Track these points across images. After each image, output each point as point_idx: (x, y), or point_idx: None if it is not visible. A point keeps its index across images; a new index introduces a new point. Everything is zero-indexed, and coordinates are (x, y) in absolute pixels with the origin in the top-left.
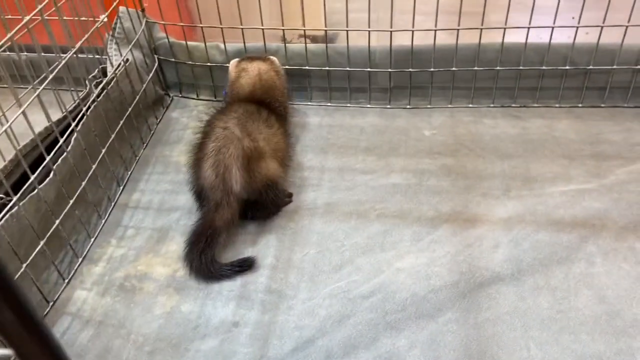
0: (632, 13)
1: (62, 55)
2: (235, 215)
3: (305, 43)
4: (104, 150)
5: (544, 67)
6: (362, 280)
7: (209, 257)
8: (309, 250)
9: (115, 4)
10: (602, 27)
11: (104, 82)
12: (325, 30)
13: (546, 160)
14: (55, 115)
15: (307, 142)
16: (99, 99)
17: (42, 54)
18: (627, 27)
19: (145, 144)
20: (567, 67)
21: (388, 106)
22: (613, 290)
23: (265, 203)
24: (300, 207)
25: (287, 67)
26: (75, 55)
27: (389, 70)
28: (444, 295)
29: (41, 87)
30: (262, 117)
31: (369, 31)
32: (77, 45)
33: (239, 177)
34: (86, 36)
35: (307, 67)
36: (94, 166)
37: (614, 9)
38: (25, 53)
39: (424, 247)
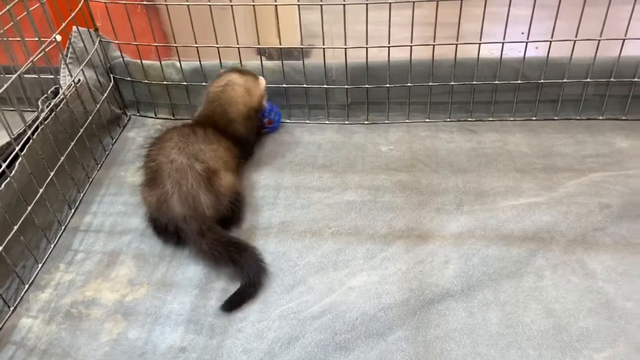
0: (580, 27)
1: (7, 76)
2: (218, 234)
3: (261, 60)
4: (52, 174)
5: (497, 82)
6: (313, 300)
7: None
8: None
9: (64, 23)
10: (550, 41)
11: (52, 104)
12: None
13: (499, 174)
14: (3, 139)
15: (264, 160)
16: (46, 122)
17: None
18: (574, 41)
19: (99, 165)
20: (520, 82)
21: (346, 122)
22: (561, 303)
23: (235, 213)
24: (255, 227)
25: None
26: (20, 77)
27: (346, 86)
28: (394, 314)
29: None
30: (198, 136)
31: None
32: (23, 68)
33: (207, 201)
34: (32, 58)
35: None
36: (40, 190)
37: (565, 19)
38: None
39: (377, 265)
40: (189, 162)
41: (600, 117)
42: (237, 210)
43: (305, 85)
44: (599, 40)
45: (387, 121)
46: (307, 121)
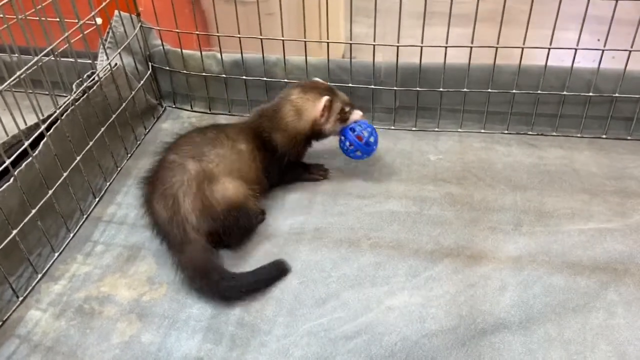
0: None
1: (42, 57)
2: (202, 250)
3: (306, 56)
4: (78, 158)
5: (565, 93)
6: (347, 317)
7: (214, 288)
8: (291, 280)
9: (104, 4)
10: (630, 51)
11: (84, 85)
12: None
13: (564, 195)
14: (34, 121)
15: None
16: (77, 103)
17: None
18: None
19: (129, 155)
20: (591, 94)
21: (392, 127)
22: (636, 346)
23: (229, 229)
24: (286, 232)
25: (286, 80)
26: (56, 59)
27: (395, 88)
28: (439, 342)
29: (1, 88)
30: (211, 136)
31: (398, 46)
32: (50, 47)
33: (190, 206)
34: (62, 38)
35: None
36: (64, 174)
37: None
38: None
39: (420, 284)
40: (182, 160)
41: None
42: (230, 227)
43: (350, 85)
44: None
45: (437, 129)
46: None
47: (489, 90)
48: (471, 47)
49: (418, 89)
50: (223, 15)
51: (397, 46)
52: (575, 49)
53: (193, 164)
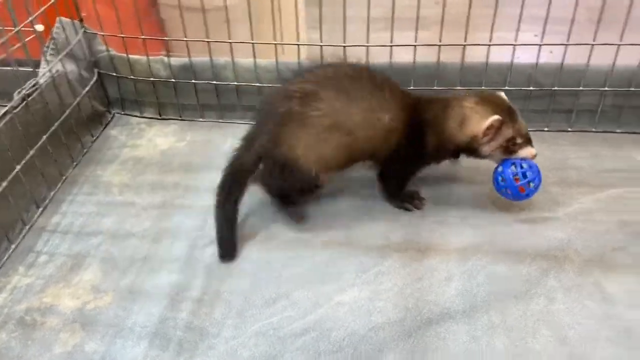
0: (597, 32)
1: None
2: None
3: (254, 58)
4: (18, 168)
5: (507, 88)
6: (296, 316)
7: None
8: (241, 281)
9: (42, 9)
10: (566, 45)
11: (23, 93)
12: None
13: None
14: None
15: None
16: (15, 111)
17: None
18: (592, 45)
19: (75, 163)
20: (532, 88)
21: None
22: (575, 330)
23: (269, 176)
24: (239, 234)
25: (236, 83)
26: None
27: None
28: (386, 334)
29: None
30: (364, 92)
31: (344, 46)
32: None
33: (268, 129)
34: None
35: (257, 84)
36: (3, 184)
37: (582, 23)
38: None
39: (370, 280)
40: (300, 92)
41: (618, 130)
42: (274, 177)
43: None
44: (619, 46)
45: None
46: None
47: (435, 87)
48: (415, 46)
49: None
50: (185, 23)
51: (344, 46)
52: (514, 45)
53: (297, 103)
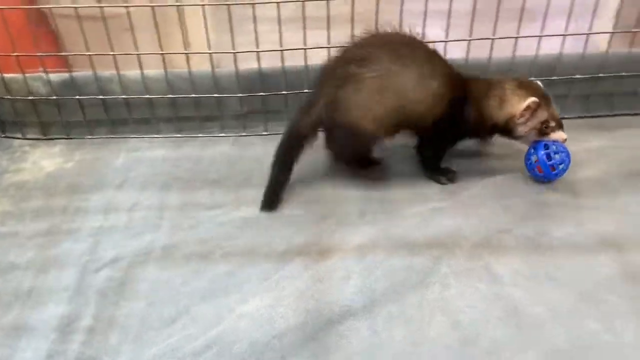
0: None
1: None
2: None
3: (141, 69)
4: None
5: None
6: (197, 333)
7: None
8: (137, 303)
9: None
10: (469, 40)
11: None
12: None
13: (405, 180)
14: None
15: (148, 179)
16: None
17: None
18: (492, 39)
19: None
20: None
21: (243, 134)
22: (467, 314)
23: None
24: (132, 254)
25: (124, 96)
26: None
27: (239, 95)
28: (288, 340)
29: None
30: (416, 60)
31: (234, 53)
32: None
33: (327, 92)
34: None
35: (147, 96)
36: None
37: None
38: None
39: (272, 287)
40: (358, 57)
41: None
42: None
43: (194, 95)
44: (516, 38)
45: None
46: (200, 134)
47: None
48: (305, 49)
49: (262, 94)
50: (76, 34)
51: (234, 53)
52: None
53: (354, 65)
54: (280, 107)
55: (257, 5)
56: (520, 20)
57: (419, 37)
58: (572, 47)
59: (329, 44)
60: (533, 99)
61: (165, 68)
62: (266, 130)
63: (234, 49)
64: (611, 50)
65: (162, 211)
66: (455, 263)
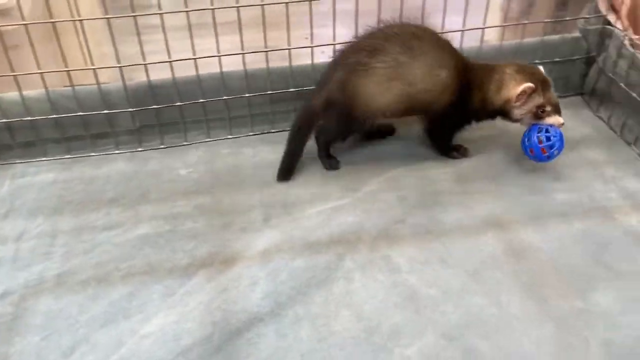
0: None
1: None
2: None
3: (20, 91)
4: None
5: (292, 89)
6: None
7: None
8: (32, 338)
9: None
10: (334, 45)
11: None
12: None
13: (305, 182)
14: None
15: (36, 205)
16: None
17: None
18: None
19: None
20: (314, 87)
21: (139, 149)
22: (370, 304)
23: (329, 119)
24: (22, 286)
25: (4, 120)
26: None
27: (130, 110)
28: (195, 355)
29: None
30: (423, 50)
31: (120, 67)
32: None
33: (337, 77)
34: None
35: (28, 118)
36: None
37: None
38: None
39: (176, 303)
40: (367, 46)
41: None
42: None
43: (81, 114)
44: None
45: (185, 142)
46: (92, 153)
47: (224, 97)
48: (195, 59)
49: (156, 106)
50: None
51: (120, 67)
52: (289, 49)
53: (365, 55)
54: (176, 119)
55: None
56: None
57: (429, 28)
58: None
59: (218, 52)
60: (528, 84)
61: (45, 86)
62: (163, 144)
63: (119, 63)
64: (504, 42)
65: (54, 238)
66: (358, 257)
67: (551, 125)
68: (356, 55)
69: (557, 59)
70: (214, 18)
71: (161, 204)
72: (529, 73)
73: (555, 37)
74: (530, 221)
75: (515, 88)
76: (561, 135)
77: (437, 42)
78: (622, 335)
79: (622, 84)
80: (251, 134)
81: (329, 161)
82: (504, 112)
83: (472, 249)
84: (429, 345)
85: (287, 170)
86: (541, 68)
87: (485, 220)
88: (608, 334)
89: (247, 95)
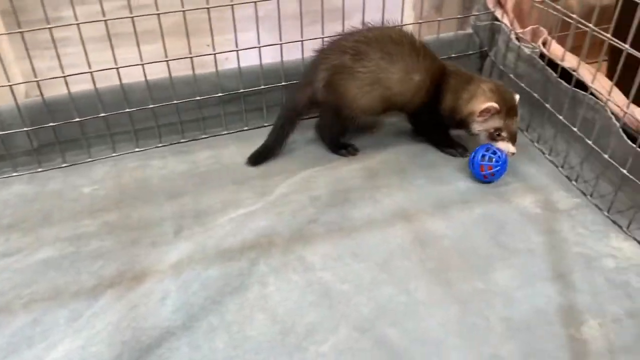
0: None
1: None
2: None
3: None
4: None
5: (197, 98)
6: None
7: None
8: None
9: None
10: (237, 51)
11: None
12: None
13: (216, 191)
14: None
15: None
16: None
17: None
18: (259, 48)
19: None
20: (221, 94)
21: (39, 169)
22: (285, 305)
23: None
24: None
25: None
26: None
27: (25, 129)
28: None
29: None
30: (403, 53)
31: (10, 85)
32: None
33: (322, 77)
34: None
35: None
36: None
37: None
38: None
39: (82, 326)
40: (347, 48)
41: (305, 117)
42: (326, 117)
43: None
44: (280, 44)
45: (89, 159)
46: None
47: (127, 110)
48: (91, 72)
49: (53, 124)
50: None
51: (9, 85)
52: (191, 57)
53: (349, 58)
54: (77, 136)
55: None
56: (341, 20)
57: (410, 33)
58: None
59: (116, 64)
60: (494, 104)
61: None
62: (65, 162)
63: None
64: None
65: None
66: (272, 261)
67: (500, 150)
68: (340, 57)
69: (453, 55)
70: (108, 29)
71: (65, 225)
72: (500, 95)
73: (450, 34)
74: (435, 210)
75: (483, 103)
76: (505, 163)
77: (413, 47)
78: (519, 311)
79: (511, 75)
80: (160, 145)
81: (344, 150)
82: (466, 123)
83: (382, 242)
84: (343, 340)
85: (259, 157)
86: (516, 97)
87: (393, 213)
88: (507, 311)
89: (151, 106)
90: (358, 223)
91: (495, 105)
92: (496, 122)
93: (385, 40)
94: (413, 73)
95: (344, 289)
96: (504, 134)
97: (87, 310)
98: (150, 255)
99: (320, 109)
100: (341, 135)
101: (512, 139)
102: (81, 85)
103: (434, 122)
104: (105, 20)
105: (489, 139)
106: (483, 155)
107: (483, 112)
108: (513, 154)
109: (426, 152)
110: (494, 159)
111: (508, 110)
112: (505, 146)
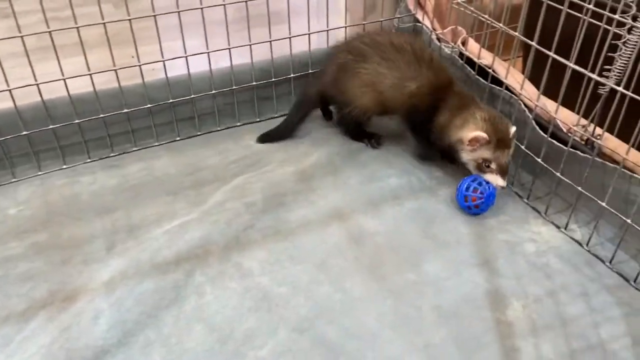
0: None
1: None
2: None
3: None
4: None
5: (125, 110)
6: None
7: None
8: None
9: None
10: (163, 61)
11: None
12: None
13: (150, 203)
14: None
15: None
16: None
17: None
18: (186, 57)
19: None
20: (150, 105)
21: None
22: (222, 313)
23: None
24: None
25: None
26: None
27: None
28: None
29: None
30: (406, 62)
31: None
32: None
33: (331, 73)
34: None
35: None
36: None
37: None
38: None
39: (13, 351)
40: (353, 50)
41: (238, 124)
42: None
43: None
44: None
45: (14, 179)
46: None
47: (51, 126)
48: (10, 90)
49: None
50: None
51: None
52: (115, 70)
53: (352, 59)
54: (25, 149)
55: None
56: (290, 23)
57: (416, 40)
58: (318, 43)
59: (35, 80)
60: (484, 135)
61: None
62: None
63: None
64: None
65: None
66: (209, 270)
67: (488, 182)
68: (346, 56)
69: None
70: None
71: (2, 247)
72: (493, 125)
73: None
74: (368, 208)
75: (472, 132)
76: (491, 196)
77: (417, 56)
78: (448, 299)
79: None
80: (89, 160)
81: (367, 140)
82: (454, 150)
83: (319, 242)
84: (282, 342)
85: (267, 137)
86: (512, 129)
87: (328, 213)
88: (437, 300)
89: (77, 121)
90: (294, 226)
91: (484, 135)
92: (485, 153)
93: (387, 45)
94: (408, 81)
95: (282, 292)
96: (492, 165)
97: (18, 334)
98: (82, 274)
99: (333, 103)
100: (357, 127)
101: (502, 172)
102: (0, 104)
103: (419, 133)
104: (21, 36)
105: (477, 170)
106: (468, 186)
107: (472, 141)
108: (503, 187)
109: (359, 152)
110: (478, 190)
111: (499, 141)
112: (493, 179)
